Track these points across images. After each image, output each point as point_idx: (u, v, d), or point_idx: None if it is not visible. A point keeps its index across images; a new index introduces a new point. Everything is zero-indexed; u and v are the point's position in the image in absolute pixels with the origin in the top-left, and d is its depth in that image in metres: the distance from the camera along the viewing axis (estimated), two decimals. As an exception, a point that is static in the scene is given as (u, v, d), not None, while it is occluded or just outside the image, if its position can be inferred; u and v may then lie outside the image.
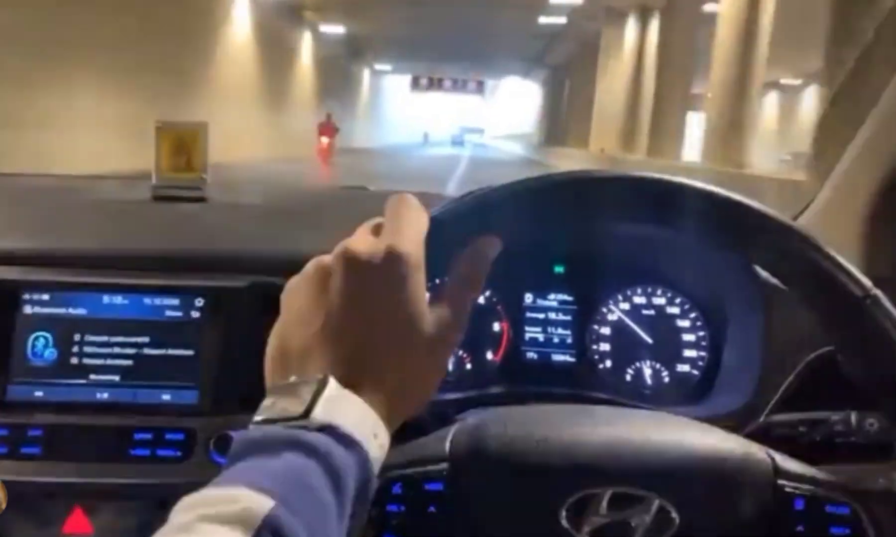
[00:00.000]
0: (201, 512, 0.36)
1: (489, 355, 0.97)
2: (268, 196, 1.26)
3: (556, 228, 0.76)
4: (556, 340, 0.97)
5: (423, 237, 0.49)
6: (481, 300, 0.96)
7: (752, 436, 0.77)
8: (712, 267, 0.90)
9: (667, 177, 0.54)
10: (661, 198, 0.54)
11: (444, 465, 0.56)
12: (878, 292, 0.50)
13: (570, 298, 0.98)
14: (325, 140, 19.40)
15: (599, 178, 0.55)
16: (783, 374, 0.81)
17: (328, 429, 0.41)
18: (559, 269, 0.98)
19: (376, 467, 0.44)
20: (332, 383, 0.43)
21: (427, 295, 0.48)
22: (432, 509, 0.55)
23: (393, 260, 0.46)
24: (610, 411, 0.65)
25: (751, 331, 0.86)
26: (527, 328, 0.98)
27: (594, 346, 0.96)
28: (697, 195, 0.53)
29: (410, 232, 0.48)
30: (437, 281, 0.51)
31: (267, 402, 0.44)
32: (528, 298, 0.98)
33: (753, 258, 0.59)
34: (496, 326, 0.97)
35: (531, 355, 0.97)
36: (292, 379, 0.44)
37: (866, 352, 0.51)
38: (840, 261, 0.51)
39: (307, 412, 0.41)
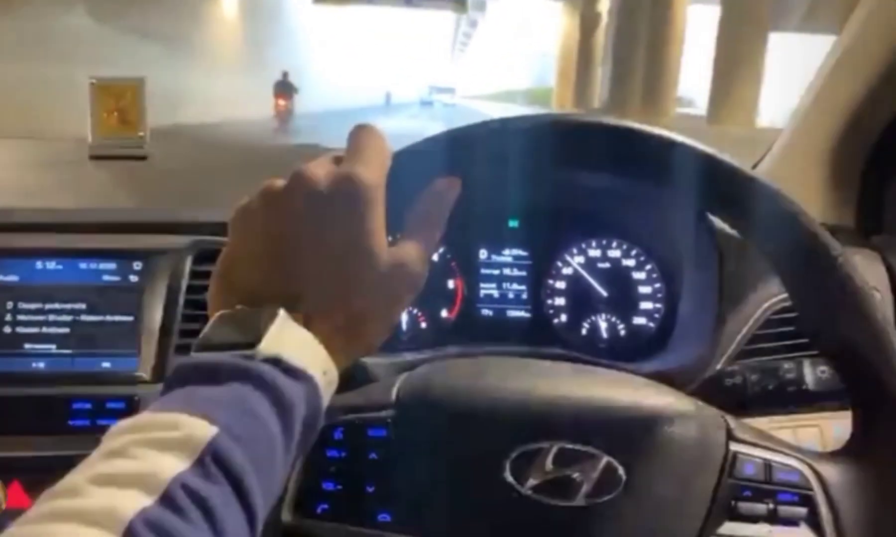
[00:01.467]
0: (136, 436, 0.33)
1: (443, 313, 0.95)
2: (213, 154, 1.21)
3: (517, 174, 0.74)
4: (511, 296, 0.95)
5: (386, 170, 0.46)
6: (435, 257, 0.94)
7: (705, 387, 0.76)
8: (668, 218, 0.89)
9: (640, 126, 0.52)
10: (638, 148, 0.52)
11: (389, 412, 0.54)
12: (845, 253, 0.49)
13: (524, 253, 0.96)
14: (281, 102, 17.30)
15: (572, 123, 0.52)
16: (738, 325, 0.81)
17: (276, 361, 0.38)
18: (513, 224, 0.95)
19: (325, 403, 0.41)
20: (282, 314, 0.40)
21: (386, 232, 0.45)
22: (374, 456, 0.54)
23: (352, 187, 0.43)
24: (561, 366, 0.64)
25: (706, 283, 0.85)
26: (481, 284, 0.96)
27: (549, 301, 0.95)
28: (655, 142, 0.51)
29: (373, 162, 0.45)
30: (397, 219, 0.48)
31: (209, 330, 0.41)
32: (483, 254, 0.96)
33: (713, 210, 0.57)
34: (450, 283, 0.95)
35: (486, 312, 0.95)
36: (238, 308, 0.41)
37: (827, 311, 0.50)
38: (811, 220, 0.49)
39: (254, 342, 0.38)
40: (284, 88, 17.59)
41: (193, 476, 0.32)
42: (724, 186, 0.51)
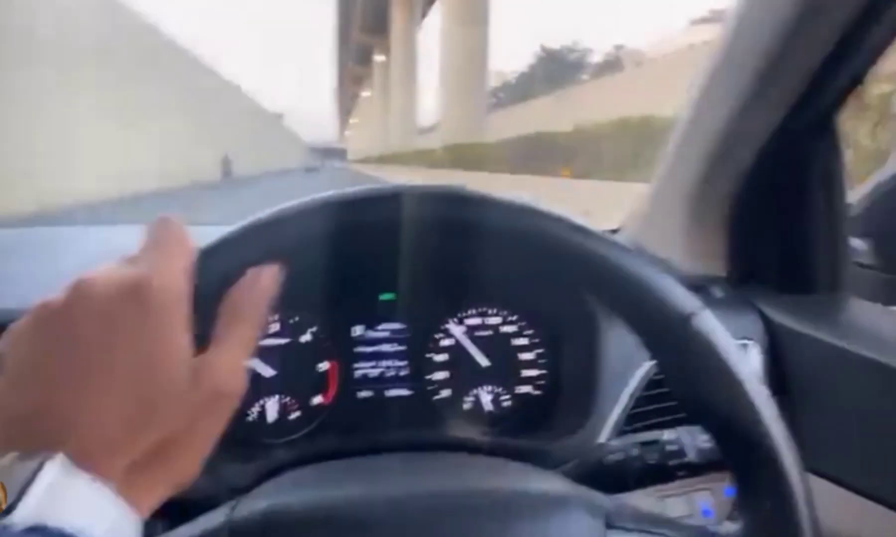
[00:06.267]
0: None
1: (317, 399, 0.87)
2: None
3: (358, 251, 0.66)
4: (390, 374, 0.89)
5: (187, 270, 0.39)
6: (307, 337, 0.86)
7: (589, 463, 0.73)
8: (541, 281, 0.85)
9: (471, 190, 0.47)
10: (463, 214, 0.47)
11: None
12: (700, 311, 0.45)
13: (402, 327, 0.90)
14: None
15: (391, 194, 0.47)
16: (619, 390, 0.78)
17: (39, 529, 0.31)
18: (387, 297, 0.89)
19: None
20: (57, 462, 0.33)
21: (192, 339, 0.38)
22: None
23: (144, 296, 0.36)
24: (445, 461, 0.59)
25: (585, 347, 0.82)
26: (357, 364, 0.89)
27: (430, 376, 0.89)
28: (496, 206, 0.47)
29: (170, 263, 0.38)
30: (207, 325, 0.41)
31: None
32: (357, 331, 0.89)
33: (567, 280, 0.53)
34: (322, 366, 0.88)
35: (364, 394, 0.88)
36: (9, 457, 0.34)
37: (688, 373, 0.47)
38: (660, 279, 0.46)
39: (11, 507, 0.31)
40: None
41: None
42: (573, 257, 0.47)
